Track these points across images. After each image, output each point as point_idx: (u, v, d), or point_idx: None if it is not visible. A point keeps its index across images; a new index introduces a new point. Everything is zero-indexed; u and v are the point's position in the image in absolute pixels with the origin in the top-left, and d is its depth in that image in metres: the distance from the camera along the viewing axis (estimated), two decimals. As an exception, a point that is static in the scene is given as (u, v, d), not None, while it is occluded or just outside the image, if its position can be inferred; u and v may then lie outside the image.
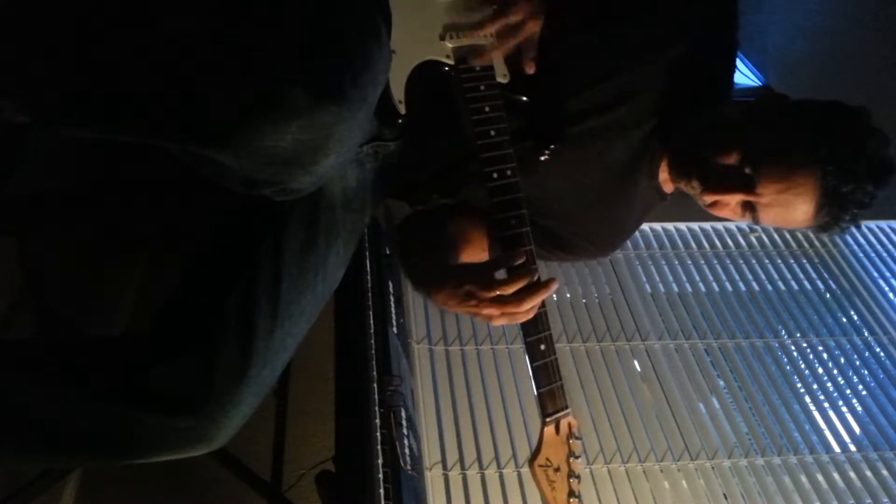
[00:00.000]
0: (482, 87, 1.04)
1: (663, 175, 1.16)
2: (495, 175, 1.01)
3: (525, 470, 1.61)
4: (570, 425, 1.00)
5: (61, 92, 0.83)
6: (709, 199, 1.07)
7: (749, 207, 1.05)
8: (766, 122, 1.07)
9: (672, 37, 1.11)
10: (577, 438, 1.00)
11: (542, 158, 1.10)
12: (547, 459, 0.98)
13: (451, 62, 1.06)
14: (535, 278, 0.98)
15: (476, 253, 1.20)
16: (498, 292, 0.96)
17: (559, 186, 1.16)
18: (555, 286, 0.98)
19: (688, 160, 1.09)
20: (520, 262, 0.97)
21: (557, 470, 0.98)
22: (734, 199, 1.05)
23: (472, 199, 1.22)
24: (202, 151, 0.82)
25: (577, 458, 1.00)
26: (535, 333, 0.99)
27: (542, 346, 0.99)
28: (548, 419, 0.99)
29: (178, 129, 0.82)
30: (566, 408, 1.00)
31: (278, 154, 0.81)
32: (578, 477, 0.99)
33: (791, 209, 1.02)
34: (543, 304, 0.99)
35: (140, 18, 0.80)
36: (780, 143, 1.03)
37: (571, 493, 0.98)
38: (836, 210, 1.01)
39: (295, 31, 0.83)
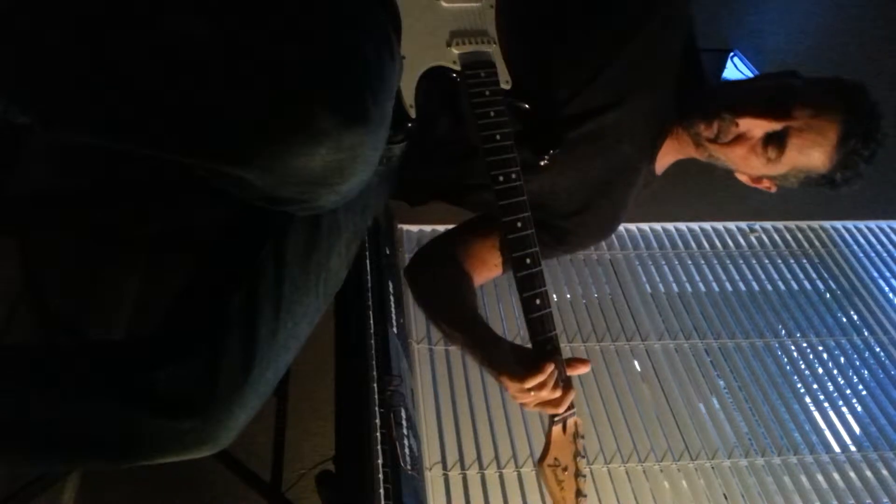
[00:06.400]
0: (487, 93, 1.05)
1: (661, 159, 1.20)
2: (501, 178, 1.02)
3: (525, 470, 1.61)
4: (576, 424, 1.01)
5: (61, 92, 0.82)
6: (741, 124, 1.07)
7: (776, 139, 1.07)
8: (791, 75, 1.14)
9: (642, 19, 1.14)
10: (581, 437, 1.01)
11: (542, 164, 1.11)
12: (555, 459, 0.98)
13: (457, 68, 1.07)
14: (562, 373, 1.00)
15: (491, 270, 1.22)
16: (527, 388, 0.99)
17: (566, 185, 1.18)
18: (585, 367, 1.04)
19: (716, 97, 1.12)
20: (546, 377, 0.98)
21: (565, 469, 0.98)
22: (764, 128, 1.06)
23: (473, 203, 1.23)
24: (227, 170, 0.82)
25: (583, 457, 1.00)
26: (542, 333, 1.00)
27: (549, 347, 0.99)
28: (556, 419, 1.00)
29: (203, 148, 0.81)
30: (573, 407, 1.01)
31: (307, 174, 0.80)
32: (585, 476, 1.00)
33: (819, 137, 1.06)
34: (549, 305, 1.00)
35: (145, 21, 0.80)
36: (807, 86, 1.10)
37: (579, 492, 0.98)
38: (860, 142, 1.06)
39: (319, 51, 0.83)
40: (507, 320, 1.90)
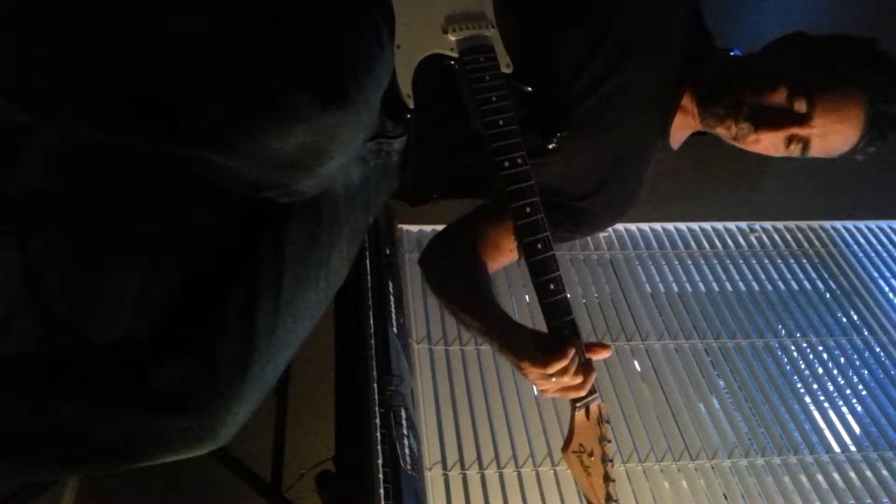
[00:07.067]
0: (487, 78, 1.04)
1: (675, 133, 1.18)
2: (507, 164, 1.01)
3: (525, 470, 1.61)
4: (599, 408, 1.00)
5: (61, 91, 0.82)
6: (762, 136, 1.07)
7: (797, 140, 1.06)
8: (805, 57, 1.09)
9: None
10: (607, 422, 1.00)
11: (550, 147, 1.10)
12: (580, 445, 0.98)
13: (454, 55, 1.06)
14: (580, 359, 0.98)
15: (506, 255, 1.21)
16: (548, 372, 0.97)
17: (578, 166, 1.17)
18: (607, 351, 1.03)
19: (731, 101, 1.10)
20: (568, 361, 0.96)
21: (591, 455, 0.97)
22: (784, 135, 1.06)
23: (485, 193, 1.23)
24: (206, 155, 0.82)
25: (609, 441, 0.99)
26: (559, 318, 0.99)
27: (567, 331, 0.99)
28: (578, 405, 0.99)
29: (181, 133, 0.82)
30: (595, 391, 1.00)
31: (283, 157, 0.81)
32: (612, 461, 0.98)
33: (841, 136, 1.05)
34: (564, 290, 1.00)
35: (143, 20, 0.80)
36: (826, 74, 1.05)
37: (607, 477, 0.97)
38: (878, 134, 1.05)
39: (299, 36, 0.83)
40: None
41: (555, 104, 1.12)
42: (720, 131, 1.12)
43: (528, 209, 1.01)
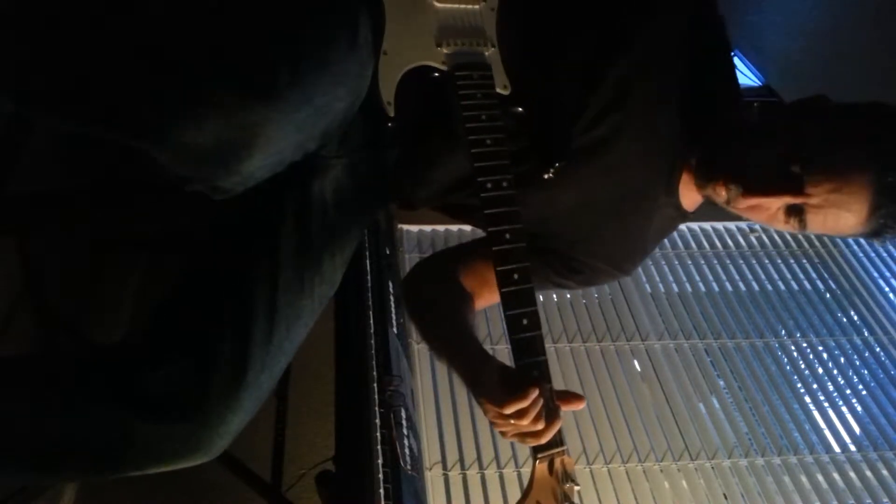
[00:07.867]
0: (479, 96, 1.00)
1: (684, 190, 1.09)
2: (489, 185, 0.95)
3: (524, 470, 1.61)
4: (564, 464, 0.89)
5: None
6: (751, 202, 0.96)
7: (795, 212, 0.95)
8: (813, 119, 0.99)
9: (634, 28, 1.06)
10: (573, 483, 0.88)
11: (546, 177, 1.04)
12: (537, 502, 0.87)
13: (444, 68, 1.02)
14: (543, 402, 0.88)
15: (493, 291, 1.08)
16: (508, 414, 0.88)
17: (571, 205, 1.11)
18: (579, 403, 0.93)
19: (723, 161, 1.00)
20: (528, 403, 0.86)
21: None
22: (778, 203, 0.95)
23: (468, 208, 1.19)
24: (129, 142, 0.81)
25: None
26: (529, 357, 0.89)
27: (536, 373, 0.89)
28: (540, 455, 0.89)
29: (105, 120, 0.81)
30: (561, 444, 0.89)
31: (199, 151, 0.78)
32: None
33: (843, 211, 0.92)
34: (538, 327, 0.91)
35: (84, 15, 0.80)
36: (831, 139, 0.94)
37: None
38: (894, 210, 0.91)
39: (234, 29, 0.81)
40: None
41: (556, 132, 1.05)
42: (713, 195, 1.01)
43: (507, 235, 0.92)
